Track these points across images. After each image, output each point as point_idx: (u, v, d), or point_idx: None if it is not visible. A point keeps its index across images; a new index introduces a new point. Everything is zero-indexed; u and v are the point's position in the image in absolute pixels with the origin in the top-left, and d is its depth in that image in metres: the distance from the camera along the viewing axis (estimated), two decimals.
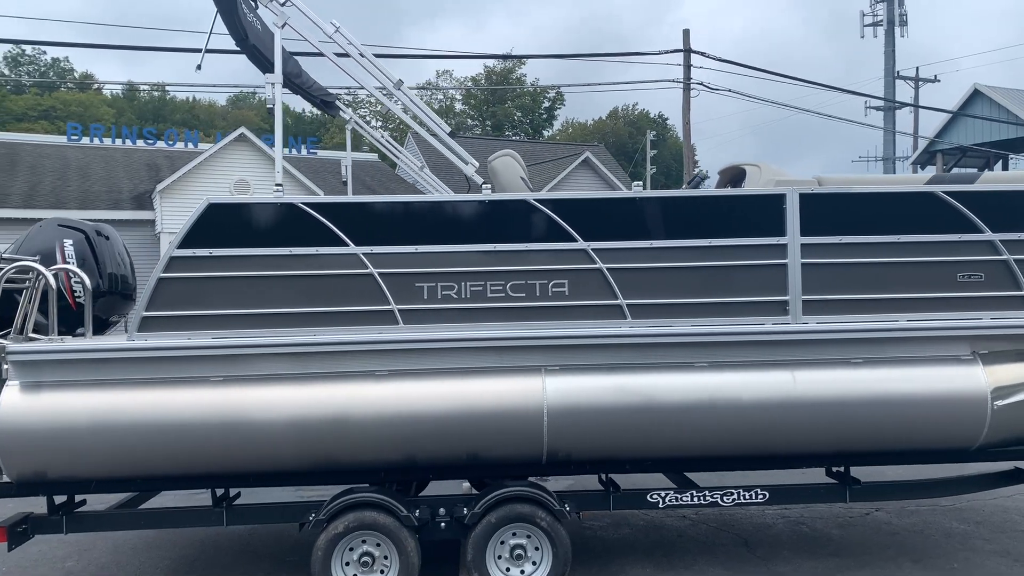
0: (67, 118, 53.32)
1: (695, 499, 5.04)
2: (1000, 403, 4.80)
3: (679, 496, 5.03)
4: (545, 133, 68.48)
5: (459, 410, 4.63)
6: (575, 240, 4.73)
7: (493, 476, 5.04)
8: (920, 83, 36.13)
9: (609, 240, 4.76)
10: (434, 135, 4.97)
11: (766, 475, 5.63)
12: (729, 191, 5.03)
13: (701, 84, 20.93)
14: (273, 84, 4.65)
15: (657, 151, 70.90)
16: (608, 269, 4.75)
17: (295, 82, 6.68)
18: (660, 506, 5.02)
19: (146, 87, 74.97)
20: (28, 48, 70.59)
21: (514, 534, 4.77)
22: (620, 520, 6.43)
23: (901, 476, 5.48)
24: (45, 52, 71.19)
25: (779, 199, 4.82)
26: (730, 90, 21.18)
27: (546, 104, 67.41)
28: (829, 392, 4.76)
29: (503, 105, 66.62)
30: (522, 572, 4.77)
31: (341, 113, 7.29)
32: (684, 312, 4.80)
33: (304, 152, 30.95)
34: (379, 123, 68.88)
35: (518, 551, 4.75)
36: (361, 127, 7.40)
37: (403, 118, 4.99)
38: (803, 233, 4.82)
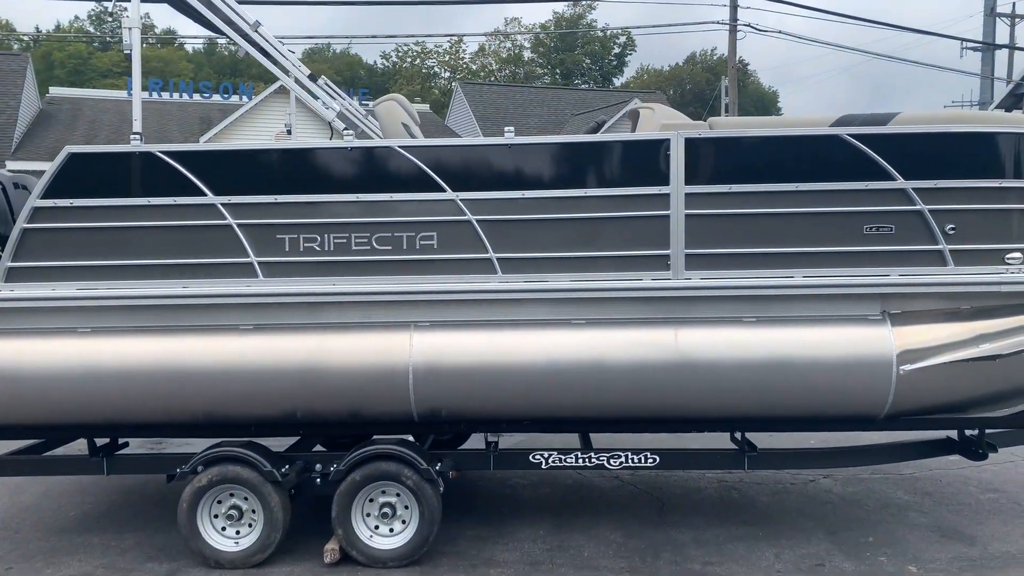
0: (148, 74, 54.89)
1: (580, 461, 4.82)
2: (907, 368, 4.38)
3: (563, 457, 4.82)
4: (616, 80, 66.91)
5: (326, 366, 4.53)
6: (444, 190, 4.49)
7: (376, 432, 4.93)
8: (1017, 20, 33.52)
9: (480, 190, 4.51)
10: (295, 80, 4.78)
11: (682, 438, 5.39)
12: (607, 136, 4.68)
13: (748, 25, 19.90)
14: (131, 28, 4.52)
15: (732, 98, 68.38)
16: (478, 221, 4.50)
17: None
18: (543, 467, 4.82)
19: (223, 40, 76.40)
20: (110, 5, 72.81)
21: (383, 492, 4.67)
22: (547, 479, 6.26)
23: (828, 442, 5.13)
24: (126, 9, 73.19)
25: (662, 145, 4.45)
26: (779, 31, 20.08)
27: (616, 50, 65.66)
28: (714, 352, 4.44)
29: (572, 52, 65.25)
30: (391, 530, 4.68)
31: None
32: (560, 267, 4.53)
33: (356, 102, 31.03)
34: (448, 73, 68.68)
35: (387, 509, 4.65)
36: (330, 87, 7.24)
37: (262, 61, 4.80)
38: (689, 182, 4.45)
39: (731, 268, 4.48)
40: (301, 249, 4.55)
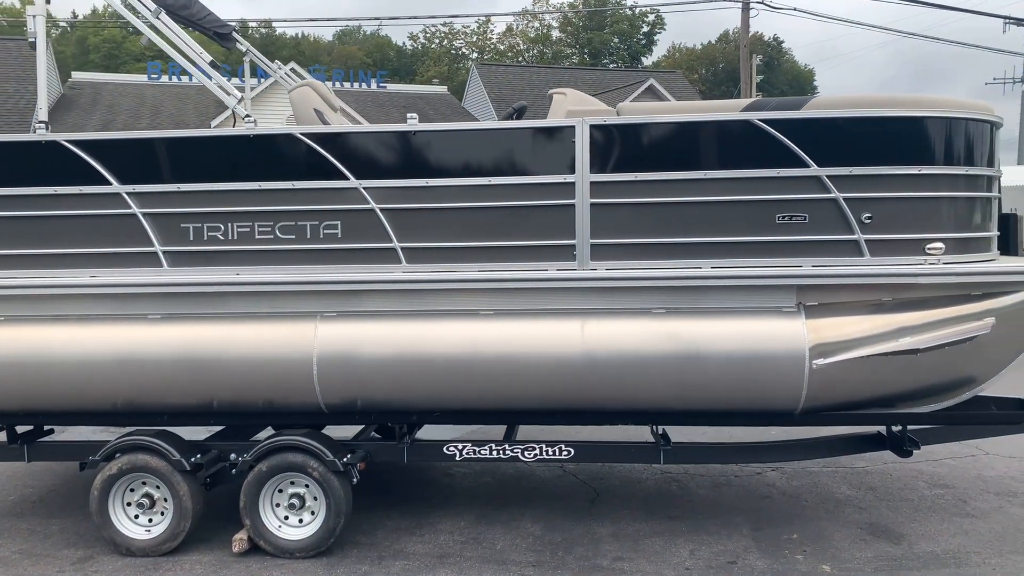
0: (171, 57, 55.33)
1: (494, 453, 4.75)
2: (821, 362, 4.23)
3: (477, 449, 4.75)
4: (644, 60, 66.05)
5: (234, 357, 4.51)
6: (347, 178, 4.42)
7: (292, 424, 4.90)
8: None
9: (384, 178, 4.43)
10: (196, 66, 4.72)
11: (610, 430, 5.28)
12: (511, 123, 4.55)
13: (761, 3, 19.45)
14: (35, 16, 4.49)
15: (764, 76, 67.30)
16: (382, 210, 4.43)
17: (182, 15, 6.52)
18: (457, 459, 4.77)
19: (254, 23, 76.93)
20: None
21: (292, 483, 4.66)
22: (490, 469, 6.21)
23: (778, 437, 4.99)
24: None
25: (567, 131, 4.32)
26: (795, 9, 19.57)
27: (645, 29, 64.75)
28: (620, 345, 4.33)
29: (601, 32, 64.50)
30: (300, 521, 4.66)
31: (237, 45, 7.11)
32: (467, 257, 4.44)
33: (374, 86, 31.04)
34: (475, 54, 68.31)
35: (295, 500, 4.63)
36: (259, 59, 7.21)
37: (164, 48, 4.75)
38: (595, 170, 4.32)
39: (638, 258, 4.35)
40: (205, 238, 4.52)
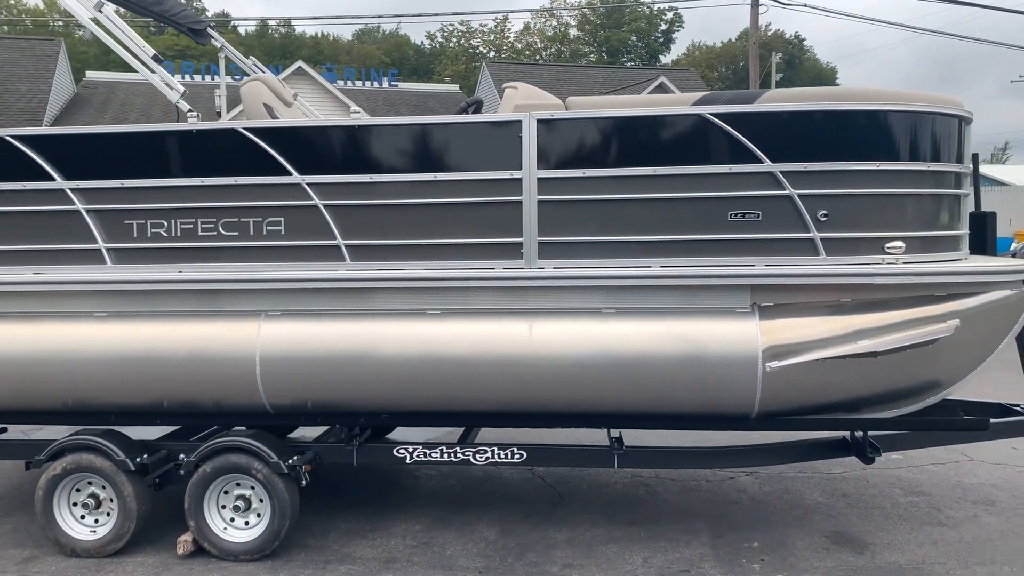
0: (200, 57, 55.95)
1: (445, 455, 4.64)
2: (775, 365, 4.08)
3: (428, 452, 4.64)
4: (663, 58, 65.67)
5: (181, 356, 4.44)
6: (290, 173, 4.33)
7: (250, 424, 4.81)
8: None
9: (327, 174, 4.33)
10: (139, 60, 4.64)
11: (555, 434, 5.17)
12: (458, 117, 4.44)
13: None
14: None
15: (784, 74, 66.69)
16: (325, 206, 4.33)
17: (155, 11, 6.48)
18: (407, 461, 4.66)
19: (274, 23, 77.27)
20: None
21: (239, 484, 4.58)
22: (456, 472, 6.10)
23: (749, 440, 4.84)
24: None
25: (514, 126, 4.20)
26: (805, 4, 19.29)
27: (663, 27, 64.34)
28: (569, 346, 4.21)
29: (618, 30, 64.19)
30: (247, 523, 4.58)
31: (212, 41, 7.05)
32: (413, 255, 4.33)
33: (385, 84, 31.07)
34: (493, 53, 68.22)
35: (240, 502, 4.55)
36: (234, 55, 7.14)
37: (107, 43, 4.67)
38: (542, 166, 4.20)
39: (587, 257, 4.22)
40: (148, 235, 4.45)
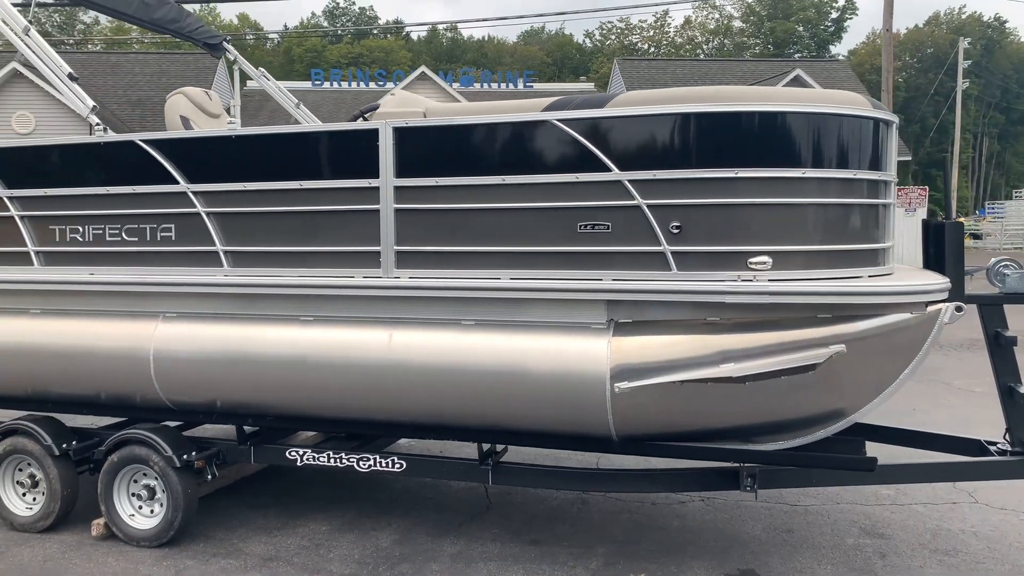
0: (372, 64, 59.26)
1: (332, 460, 4.70)
2: (623, 386, 3.82)
3: (316, 456, 4.73)
4: (832, 48, 61.91)
5: (97, 352, 4.80)
6: (177, 182, 4.55)
7: (158, 419, 5.10)
8: None
9: (209, 182, 4.51)
10: (55, 76, 4.96)
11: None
12: (322, 126, 4.44)
13: None
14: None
15: (975, 60, 61.06)
16: (207, 213, 4.52)
17: (171, 28, 7.02)
18: (298, 463, 4.77)
19: (443, 26, 79.86)
20: (341, 1, 78.82)
21: (145, 474, 4.87)
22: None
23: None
24: (355, 3, 79.12)
25: (372, 135, 4.18)
26: None
27: (833, 15, 60.63)
28: (424, 357, 4.15)
29: (786, 20, 61.22)
30: (152, 512, 4.87)
31: (227, 54, 7.50)
32: (285, 262, 4.43)
33: (520, 86, 31.40)
34: (653, 49, 67.10)
35: (143, 491, 4.85)
36: (247, 67, 7.56)
37: (30, 59, 5.03)
38: (401, 174, 4.15)
39: (442, 267, 4.14)
40: (68, 240, 4.83)
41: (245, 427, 4.95)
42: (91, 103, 4.89)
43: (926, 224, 4.43)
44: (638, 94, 3.94)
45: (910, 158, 26.11)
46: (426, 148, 4.12)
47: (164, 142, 4.57)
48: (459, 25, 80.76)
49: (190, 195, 4.52)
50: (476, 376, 4.07)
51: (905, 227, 26.63)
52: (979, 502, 5.50)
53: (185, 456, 4.73)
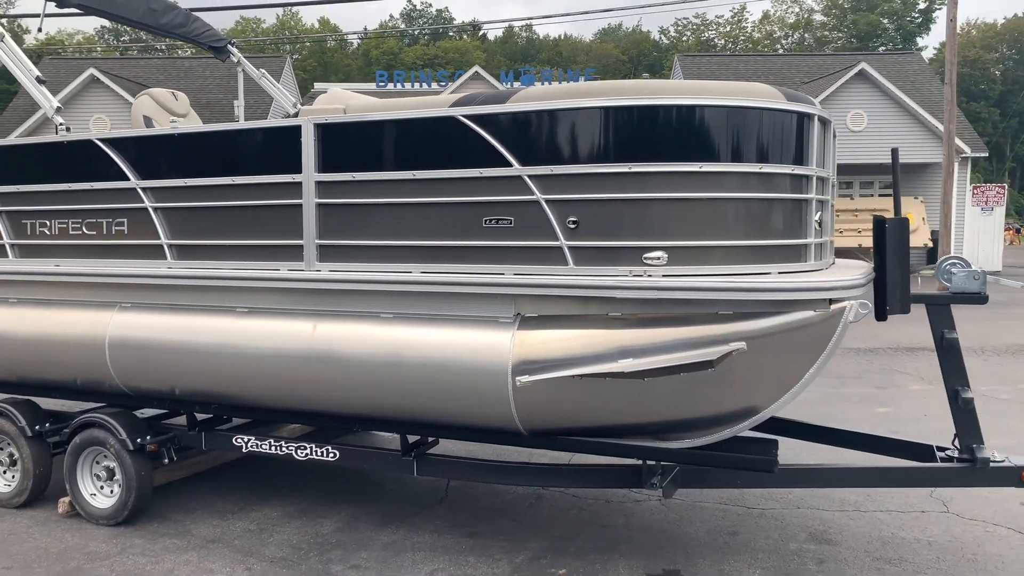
0: (446, 64, 60.01)
1: (272, 448, 4.86)
2: (524, 380, 3.83)
3: (260, 443, 4.89)
4: (919, 40, 59.38)
5: (66, 340, 5.08)
6: (128, 179, 4.78)
7: (122, 405, 5.35)
8: None
9: (155, 179, 4.73)
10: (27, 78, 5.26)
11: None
12: (249, 124, 4.55)
13: None
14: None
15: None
16: (153, 208, 4.73)
17: (177, 32, 7.36)
18: (244, 450, 4.95)
19: (518, 25, 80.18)
20: (418, 2, 80.00)
21: (105, 456, 5.13)
22: None
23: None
24: (431, 5, 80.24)
25: (295, 131, 4.30)
26: None
27: (921, 6, 58.12)
28: (343, 349, 4.26)
29: (868, 13, 59.05)
30: (111, 492, 5.12)
31: (231, 56, 7.78)
32: (217, 255, 4.61)
33: (581, 82, 31.31)
34: (730, 44, 65.77)
35: (105, 472, 5.12)
36: (250, 70, 7.82)
37: (3, 62, 5.31)
38: (323, 169, 4.26)
39: (362, 260, 4.23)
40: (36, 233, 5.13)
41: (196, 414, 5.15)
42: (56, 103, 5.18)
43: (874, 222, 4.29)
44: (541, 89, 3.94)
45: (986, 154, 24.83)
46: (344, 144, 4.22)
47: (117, 140, 4.81)
48: (534, 24, 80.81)
49: (139, 191, 4.75)
50: (393, 369, 4.15)
51: (982, 226, 25.38)
52: (950, 512, 5.27)
53: (139, 440, 4.96)
